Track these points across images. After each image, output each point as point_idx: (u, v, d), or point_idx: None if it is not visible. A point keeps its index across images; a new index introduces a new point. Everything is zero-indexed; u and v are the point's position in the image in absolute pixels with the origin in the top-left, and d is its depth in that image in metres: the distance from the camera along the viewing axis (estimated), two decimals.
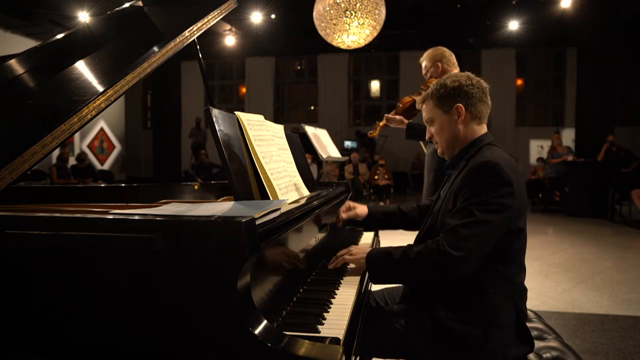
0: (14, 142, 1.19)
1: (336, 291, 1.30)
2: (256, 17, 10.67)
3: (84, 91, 1.33)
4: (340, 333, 1.00)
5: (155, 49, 1.56)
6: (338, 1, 4.90)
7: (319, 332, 1.00)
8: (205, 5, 1.89)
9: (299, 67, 15.70)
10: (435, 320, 1.32)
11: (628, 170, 8.47)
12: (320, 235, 1.61)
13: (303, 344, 0.84)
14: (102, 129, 13.11)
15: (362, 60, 14.91)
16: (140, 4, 1.89)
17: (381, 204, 9.93)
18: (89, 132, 12.51)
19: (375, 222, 1.91)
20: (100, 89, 1.33)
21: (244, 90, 15.24)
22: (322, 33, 5.28)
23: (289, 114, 15.51)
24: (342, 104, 14.56)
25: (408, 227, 1.88)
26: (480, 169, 1.31)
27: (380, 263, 1.38)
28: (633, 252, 5.59)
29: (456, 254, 1.22)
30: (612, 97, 10.78)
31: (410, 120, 2.98)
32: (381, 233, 2.31)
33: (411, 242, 1.52)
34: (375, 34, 5.25)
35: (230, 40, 12.49)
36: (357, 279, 1.41)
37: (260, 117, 1.56)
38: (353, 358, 1.05)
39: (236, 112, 1.42)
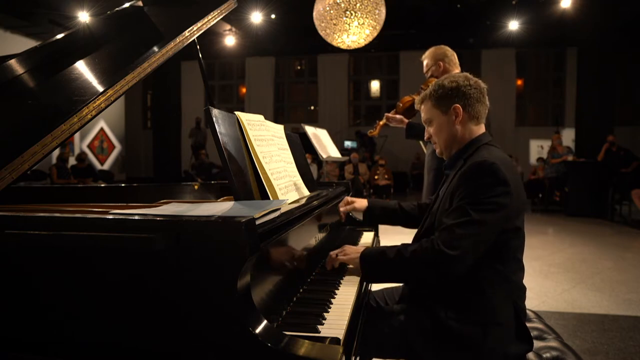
0: (14, 142, 1.19)
1: (336, 291, 1.30)
2: (256, 17, 10.67)
3: (84, 91, 1.33)
4: (340, 333, 1.00)
5: (155, 49, 1.56)
6: (338, 1, 4.90)
7: (319, 332, 1.00)
8: (205, 5, 1.89)
9: (299, 67, 15.70)
10: (435, 320, 1.32)
11: (628, 170, 8.47)
12: (320, 235, 1.61)
13: (303, 344, 0.84)
14: (102, 129, 13.11)
15: (362, 60, 14.91)
16: (140, 4, 1.89)
17: None
18: (89, 132, 12.51)
19: (375, 217, 1.92)
20: (100, 89, 1.33)
21: (244, 90, 15.24)
22: (322, 33, 5.28)
23: (289, 114, 15.52)
24: (342, 104, 14.57)
25: (407, 225, 1.89)
26: (476, 168, 1.31)
27: (375, 262, 1.38)
28: (633, 252, 5.59)
29: (451, 253, 1.23)
30: (612, 97, 10.78)
31: (410, 120, 2.98)
32: (381, 233, 2.31)
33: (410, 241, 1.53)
34: (375, 34, 5.25)
35: (230, 40, 12.50)
36: (357, 279, 1.41)
37: (260, 117, 1.56)
38: (353, 358, 1.05)
39: (236, 112, 1.42)
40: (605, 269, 4.68)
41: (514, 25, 11.08)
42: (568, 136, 12.14)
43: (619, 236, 6.70)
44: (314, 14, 5.21)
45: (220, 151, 1.23)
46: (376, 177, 10.31)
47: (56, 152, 8.57)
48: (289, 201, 1.38)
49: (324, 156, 4.43)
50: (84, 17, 9.04)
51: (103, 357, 0.91)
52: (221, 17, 1.91)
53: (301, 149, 2.00)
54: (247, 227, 0.86)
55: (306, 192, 1.70)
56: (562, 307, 3.48)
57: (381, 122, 3.17)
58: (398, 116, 2.99)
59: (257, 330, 0.83)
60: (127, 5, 1.85)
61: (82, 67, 1.50)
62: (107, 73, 1.49)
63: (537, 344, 1.44)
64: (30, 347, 0.94)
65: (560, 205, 9.68)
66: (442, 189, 1.52)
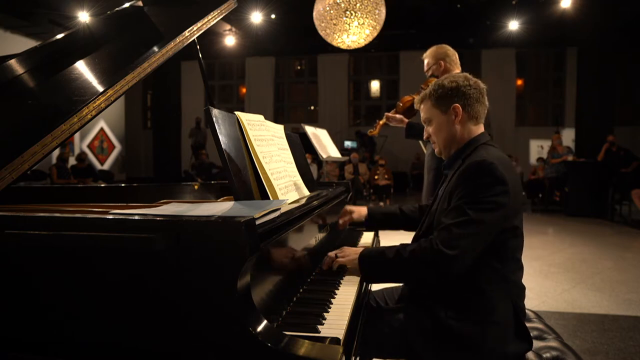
0: (14, 142, 1.19)
1: (336, 291, 1.30)
2: (256, 17, 10.67)
3: (84, 91, 1.33)
4: (340, 333, 1.00)
5: (155, 49, 1.56)
6: (338, 1, 4.90)
7: (319, 332, 1.00)
8: (205, 5, 1.89)
9: (299, 67, 15.70)
10: (434, 320, 1.32)
11: (628, 170, 8.47)
12: (320, 235, 1.61)
13: (303, 344, 0.84)
14: (102, 129, 13.11)
15: (362, 60, 14.91)
16: (140, 4, 1.89)
17: (381, 204, 9.93)
18: (89, 132, 12.51)
19: (376, 222, 1.92)
20: (100, 89, 1.33)
21: (244, 90, 15.24)
22: (322, 33, 5.28)
23: (289, 114, 15.52)
24: (342, 104, 14.57)
25: (409, 228, 1.88)
26: (474, 168, 1.32)
27: (374, 263, 1.39)
28: (633, 252, 5.59)
29: (449, 252, 1.23)
30: (612, 97, 10.78)
31: (410, 120, 2.98)
32: (381, 233, 2.31)
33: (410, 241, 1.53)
34: (375, 34, 5.25)
35: (230, 40, 12.50)
36: (357, 279, 1.41)
37: (260, 117, 1.56)
38: (353, 358, 1.05)
39: (236, 112, 1.42)
40: (605, 269, 4.68)
41: (514, 25, 11.09)
42: (568, 136, 12.14)
43: (619, 236, 6.70)
44: (314, 14, 5.21)
45: (220, 151, 1.23)
46: (376, 177, 10.31)
47: (56, 152, 8.57)
48: (289, 201, 1.38)
49: (324, 156, 4.43)
50: (84, 17, 9.04)
51: (103, 357, 0.91)
52: (221, 17, 1.91)
53: (301, 149, 2.00)
54: (247, 227, 0.86)
55: (306, 192, 1.70)
56: (562, 307, 3.48)
57: (381, 122, 3.18)
58: (398, 116, 2.99)
59: (257, 330, 0.83)
60: (127, 5, 1.85)
61: (82, 67, 1.50)
62: (107, 73, 1.49)
63: (537, 344, 1.44)
64: (30, 347, 0.94)
65: (560, 205, 9.68)
66: (441, 189, 1.52)
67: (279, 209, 1.13)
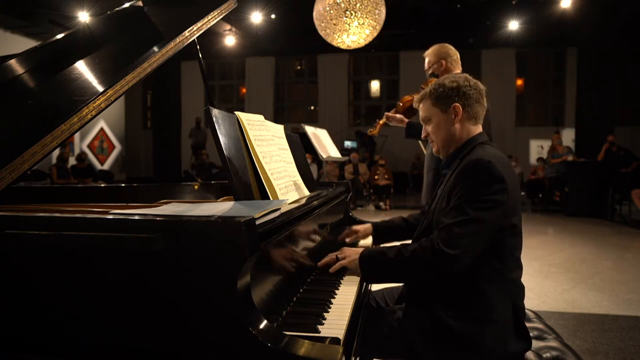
0: (14, 142, 1.19)
1: (336, 291, 1.30)
2: (256, 17, 10.67)
3: (84, 91, 1.33)
4: (340, 333, 1.00)
5: (155, 49, 1.56)
6: (338, 1, 4.90)
7: (319, 332, 1.00)
8: (205, 5, 1.89)
9: (299, 67, 15.70)
10: (434, 320, 1.33)
11: (628, 170, 8.47)
12: (320, 236, 1.61)
13: (303, 344, 0.84)
14: (102, 129, 13.11)
15: (362, 60, 14.91)
16: (140, 4, 1.89)
17: (381, 204, 9.93)
18: (89, 132, 12.51)
19: (382, 237, 1.94)
20: (100, 89, 1.33)
21: (244, 90, 15.24)
22: (322, 33, 5.28)
23: (289, 114, 15.52)
24: (342, 104, 14.57)
25: None
26: (472, 166, 1.32)
27: (374, 263, 1.39)
28: (633, 252, 5.59)
29: (451, 252, 1.23)
30: (612, 97, 10.78)
31: (410, 120, 2.98)
32: None
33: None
34: (375, 34, 5.25)
35: (230, 40, 12.50)
36: (357, 279, 1.41)
37: (260, 117, 1.56)
38: (353, 358, 1.05)
39: (236, 112, 1.42)
40: (605, 269, 4.68)
41: (514, 25, 11.08)
42: (568, 136, 12.14)
43: (619, 236, 6.70)
44: (314, 14, 5.21)
45: (220, 151, 1.23)
46: (376, 177, 10.31)
47: (56, 152, 8.57)
48: (289, 201, 1.38)
49: (324, 156, 4.43)
50: (84, 17, 9.04)
51: (103, 357, 0.91)
52: (221, 17, 1.91)
53: (301, 149, 2.00)
54: (247, 227, 0.86)
55: (306, 192, 1.70)
56: (562, 307, 3.48)
57: (381, 122, 3.18)
58: (398, 115, 2.99)
59: (257, 330, 0.83)
60: (127, 5, 1.85)
61: (82, 67, 1.50)
62: (107, 73, 1.49)
63: (537, 343, 1.44)
64: (30, 347, 0.94)
65: (560, 205, 9.68)
66: (440, 189, 1.53)
67: (279, 209, 1.13)
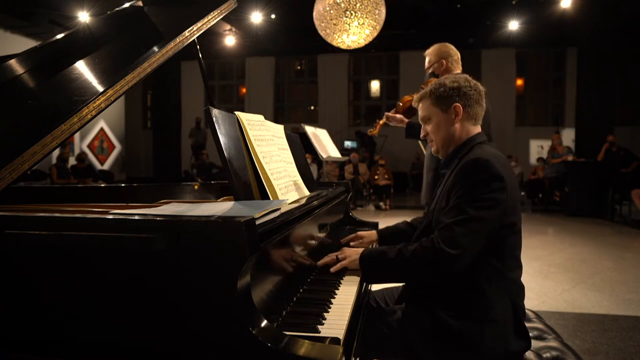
0: (14, 142, 1.19)
1: (336, 291, 1.30)
2: (256, 17, 10.67)
3: (84, 91, 1.33)
4: (340, 333, 1.00)
5: (155, 49, 1.56)
6: (338, 1, 4.89)
7: (319, 332, 1.00)
8: (205, 5, 1.89)
9: (299, 67, 15.70)
10: (434, 320, 1.33)
11: (628, 170, 8.47)
12: (320, 235, 1.61)
13: (303, 344, 0.84)
14: (102, 129, 13.11)
15: (362, 60, 14.91)
16: (140, 4, 1.89)
17: (381, 204, 9.94)
18: (89, 132, 12.51)
19: (388, 243, 1.92)
20: (100, 89, 1.33)
21: (244, 90, 15.24)
22: (322, 33, 5.28)
23: (289, 114, 15.51)
24: (342, 104, 14.57)
25: None
26: (470, 165, 1.33)
27: (375, 263, 1.39)
28: (633, 252, 5.59)
29: (452, 251, 1.24)
30: (612, 97, 10.78)
31: (410, 120, 2.98)
32: None
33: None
34: (375, 34, 5.25)
35: (230, 40, 12.50)
36: (357, 279, 1.41)
37: (260, 117, 1.56)
38: (353, 358, 1.05)
39: (236, 112, 1.42)
40: (605, 269, 4.68)
41: (514, 25, 11.08)
42: (568, 136, 12.14)
43: (619, 236, 6.70)
44: (314, 14, 5.21)
45: (220, 151, 1.23)
46: (376, 177, 10.31)
47: (56, 152, 8.57)
48: (289, 201, 1.38)
49: (324, 156, 4.43)
50: (84, 17, 9.04)
51: (103, 357, 0.91)
52: (221, 17, 1.91)
53: (301, 149, 2.00)
54: (247, 227, 0.86)
55: (306, 192, 1.70)
56: (562, 307, 3.48)
57: (381, 122, 3.18)
58: (398, 116, 2.99)
59: (257, 330, 0.83)
60: (127, 5, 1.85)
61: (82, 67, 1.50)
62: (107, 73, 1.49)
63: (537, 343, 1.44)
64: (30, 347, 0.94)
65: (560, 205, 9.68)
66: (439, 188, 1.53)
67: (279, 209, 1.13)
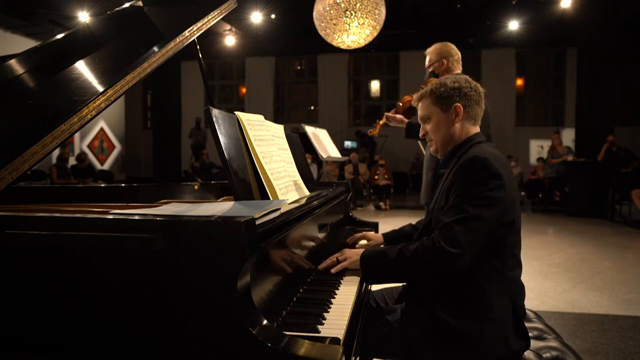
0: (14, 142, 1.19)
1: (336, 291, 1.30)
2: (256, 17, 10.67)
3: (84, 91, 1.33)
4: (340, 333, 1.00)
5: (155, 49, 1.56)
6: (338, 1, 4.89)
7: (319, 332, 1.00)
8: (205, 5, 1.89)
9: (299, 67, 15.70)
10: (434, 319, 1.33)
11: (628, 170, 8.47)
12: (320, 235, 1.61)
13: (303, 344, 0.84)
14: (102, 129, 13.11)
15: (362, 60, 14.91)
16: (140, 4, 1.89)
17: (381, 204, 9.94)
18: (89, 132, 12.51)
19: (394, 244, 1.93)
20: (100, 89, 1.33)
21: (244, 90, 15.24)
22: (322, 33, 5.28)
23: (289, 114, 15.51)
24: (342, 104, 14.57)
25: None
26: (469, 164, 1.34)
27: (376, 263, 1.39)
28: (633, 252, 5.59)
29: (452, 250, 1.24)
30: (612, 97, 10.78)
31: (410, 120, 2.98)
32: (381, 229, 2.31)
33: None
34: (375, 34, 5.25)
35: (230, 40, 12.50)
36: (357, 279, 1.41)
37: (260, 117, 1.56)
38: (353, 358, 1.05)
39: (236, 112, 1.42)
40: (605, 269, 4.68)
41: (514, 25, 11.08)
42: (568, 136, 12.14)
43: (619, 236, 6.70)
44: (314, 14, 5.21)
45: (220, 151, 1.23)
46: (376, 177, 10.31)
47: (56, 152, 8.57)
48: (289, 201, 1.38)
49: (324, 156, 4.43)
50: (84, 17, 9.04)
51: (103, 357, 0.91)
52: (221, 17, 1.91)
53: (301, 149, 2.00)
54: (247, 227, 0.86)
55: (306, 192, 1.70)
56: (562, 307, 3.48)
57: (381, 122, 3.18)
58: (398, 116, 2.99)
59: (257, 330, 0.83)
60: (127, 5, 1.85)
61: (82, 67, 1.50)
62: (107, 73, 1.49)
63: (537, 343, 1.44)
64: (30, 347, 0.94)
65: (560, 205, 9.68)
66: (438, 188, 1.54)
67: (279, 209, 1.13)
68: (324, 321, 1.07)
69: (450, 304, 1.33)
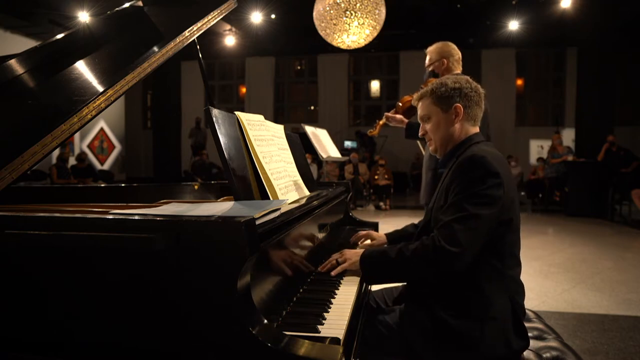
0: (14, 142, 1.19)
1: (336, 291, 1.30)
2: (256, 17, 10.67)
3: (84, 91, 1.33)
4: (340, 333, 1.00)
5: (155, 49, 1.56)
6: (338, 1, 4.89)
7: (319, 332, 1.00)
8: (205, 5, 1.89)
9: (299, 67, 15.69)
10: (434, 319, 1.33)
11: (628, 170, 8.47)
12: (320, 235, 1.61)
13: (303, 344, 0.84)
14: (102, 129, 13.11)
15: (362, 60, 14.90)
16: (140, 4, 1.89)
17: (381, 204, 9.94)
18: (89, 132, 12.50)
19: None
20: (100, 89, 1.33)
21: (244, 90, 15.24)
22: (322, 33, 5.28)
23: (289, 114, 15.51)
24: (342, 104, 14.56)
25: None
26: (467, 162, 1.34)
27: (375, 263, 1.39)
28: (633, 252, 5.59)
29: (452, 249, 1.24)
30: (612, 97, 10.77)
31: (410, 120, 2.98)
32: (381, 229, 2.31)
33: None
34: (375, 34, 5.25)
35: (230, 40, 12.49)
36: (357, 279, 1.41)
37: (260, 117, 1.56)
38: (353, 358, 1.05)
39: (236, 112, 1.42)
40: (605, 269, 4.68)
41: (514, 25, 11.08)
42: (568, 136, 12.13)
43: (619, 236, 6.70)
44: (314, 14, 5.21)
45: (220, 151, 1.23)
46: (376, 177, 10.31)
47: (56, 152, 8.57)
48: (289, 201, 1.38)
49: (324, 156, 4.43)
50: (84, 17, 9.04)
51: (103, 357, 0.91)
52: (221, 17, 1.91)
53: (301, 149, 2.00)
54: (247, 227, 0.86)
55: (306, 192, 1.70)
56: (562, 307, 3.48)
57: (381, 122, 3.18)
58: (398, 116, 2.99)
59: (257, 330, 0.83)
60: (127, 5, 1.85)
61: (82, 67, 1.50)
62: (107, 73, 1.50)
63: (537, 343, 1.44)
64: (30, 347, 0.94)
65: (560, 205, 9.67)
66: (438, 187, 1.54)
67: (279, 209, 1.13)
68: (324, 321, 1.07)
69: (450, 304, 1.33)
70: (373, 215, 8.96)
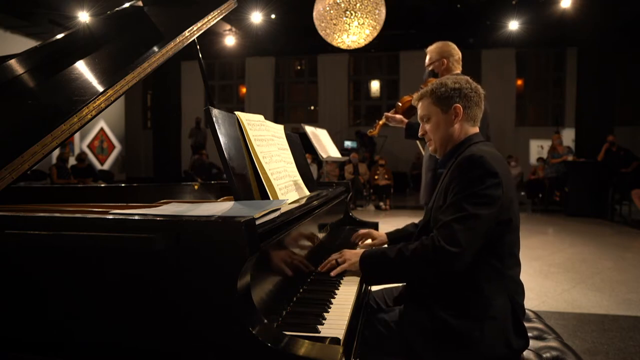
0: (14, 142, 1.19)
1: (336, 291, 1.30)
2: (256, 17, 10.67)
3: (84, 91, 1.33)
4: (340, 333, 1.00)
5: (155, 49, 1.56)
6: (338, 1, 4.90)
7: (319, 332, 1.00)
8: (205, 5, 1.89)
9: (299, 67, 15.69)
10: (434, 319, 1.33)
11: (628, 170, 8.47)
12: (321, 235, 1.61)
13: (303, 344, 0.84)
14: (102, 129, 13.11)
15: (362, 60, 14.90)
16: (140, 4, 1.89)
17: (381, 204, 9.94)
18: (89, 132, 12.51)
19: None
20: (100, 89, 1.33)
21: (244, 90, 15.24)
22: (322, 33, 5.28)
23: (289, 114, 15.51)
24: (342, 104, 14.56)
25: None
26: (466, 162, 1.34)
27: (375, 264, 1.40)
28: (633, 252, 5.59)
29: (452, 249, 1.24)
30: (612, 97, 10.77)
31: (410, 120, 2.98)
32: (381, 229, 2.31)
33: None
34: (375, 34, 5.25)
35: (230, 40, 12.49)
36: (357, 279, 1.41)
37: (260, 117, 1.57)
38: (353, 358, 1.05)
39: (236, 112, 1.42)
40: (605, 269, 4.68)
41: (514, 25, 11.08)
42: (568, 136, 12.13)
43: (619, 236, 6.70)
44: (314, 14, 5.21)
45: (220, 151, 1.23)
46: (376, 177, 10.31)
47: (56, 152, 8.57)
48: (289, 201, 1.38)
49: (324, 156, 4.43)
50: (84, 17, 9.04)
51: (103, 357, 0.91)
52: (221, 17, 1.91)
53: (301, 149, 2.00)
54: (247, 227, 0.86)
55: (306, 192, 1.70)
56: (562, 307, 3.48)
57: (381, 122, 3.18)
58: (398, 116, 2.99)
59: (257, 330, 0.83)
60: (127, 5, 1.85)
61: (82, 67, 1.50)
62: (107, 73, 1.50)
63: (537, 343, 1.45)
64: (30, 347, 0.94)
65: (560, 205, 9.67)
66: (437, 187, 1.54)
67: (279, 209, 1.13)
68: (324, 321, 1.07)
69: (449, 304, 1.33)
70: (373, 215, 8.96)
